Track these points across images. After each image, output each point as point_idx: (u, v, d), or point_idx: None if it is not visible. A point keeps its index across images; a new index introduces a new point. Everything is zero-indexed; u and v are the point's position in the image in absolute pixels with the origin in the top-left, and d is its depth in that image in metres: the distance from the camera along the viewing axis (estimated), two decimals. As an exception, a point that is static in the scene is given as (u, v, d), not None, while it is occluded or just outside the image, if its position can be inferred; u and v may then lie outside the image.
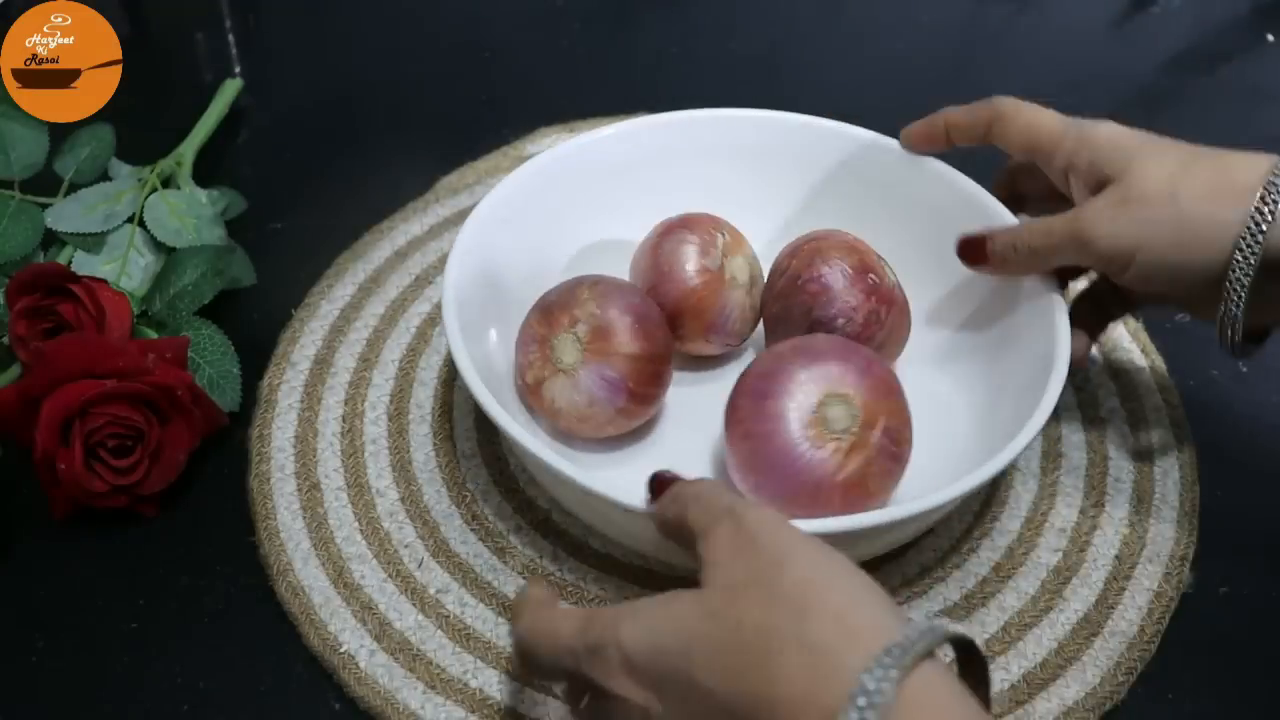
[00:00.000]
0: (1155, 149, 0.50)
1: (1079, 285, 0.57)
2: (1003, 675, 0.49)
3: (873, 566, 0.52)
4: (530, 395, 0.54)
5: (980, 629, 0.51)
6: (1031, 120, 0.53)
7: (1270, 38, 0.88)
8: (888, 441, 0.49)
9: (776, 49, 0.83)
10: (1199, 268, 0.48)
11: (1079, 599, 0.52)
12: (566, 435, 0.55)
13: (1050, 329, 0.53)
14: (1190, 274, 0.48)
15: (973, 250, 0.55)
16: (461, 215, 0.67)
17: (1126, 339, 0.63)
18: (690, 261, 0.56)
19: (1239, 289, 0.47)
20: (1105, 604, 0.52)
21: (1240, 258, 0.47)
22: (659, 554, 0.52)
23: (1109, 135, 0.51)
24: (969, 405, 0.56)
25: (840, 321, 0.54)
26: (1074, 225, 0.51)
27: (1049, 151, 0.53)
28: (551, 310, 0.54)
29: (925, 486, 0.49)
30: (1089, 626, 0.51)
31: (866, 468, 0.48)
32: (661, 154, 0.63)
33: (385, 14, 0.85)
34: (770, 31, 0.85)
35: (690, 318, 0.56)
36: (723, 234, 0.57)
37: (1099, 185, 0.51)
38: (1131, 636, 0.51)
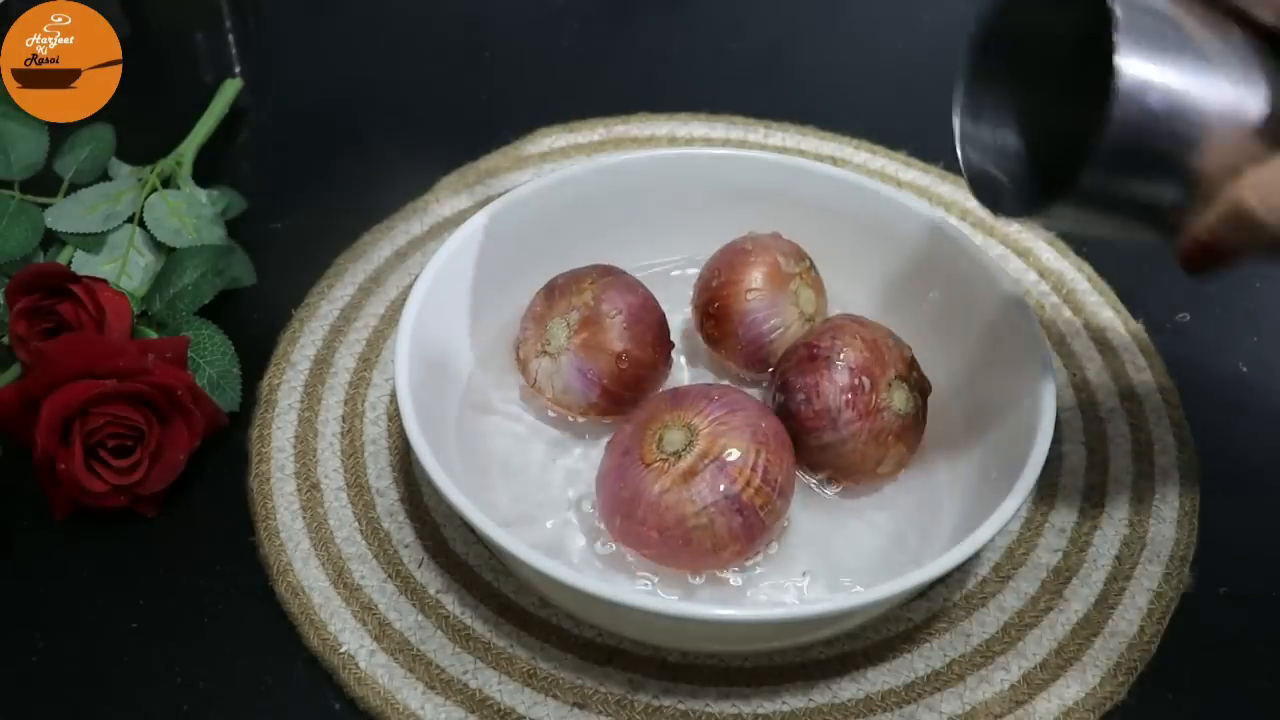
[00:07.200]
0: None
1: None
2: (1002, 676, 0.49)
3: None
4: (521, 368, 0.56)
5: (980, 629, 0.51)
6: None
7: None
8: (723, 477, 0.46)
9: (777, 48, 0.83)
10: None
11: (1079, 599, 0.52)
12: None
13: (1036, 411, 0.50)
14: None
15: (1194, 257, 0.42)
16: (462, 215, 0.67)
17: (1127, 339, 0.63)
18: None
19: None
20: (1105, 604, 0.52)
21: None
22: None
23: None
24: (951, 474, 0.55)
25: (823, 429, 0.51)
26: None
27: None
28: (554, 292, 0.55)
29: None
30: (1089, 627, 0.51)
31: (682, 492, 0.47)
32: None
33: (385, 14, 0.85)
34: (771, 31, 0.85)
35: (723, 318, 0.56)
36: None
37: None
38: (1131, 636, 0.51)
